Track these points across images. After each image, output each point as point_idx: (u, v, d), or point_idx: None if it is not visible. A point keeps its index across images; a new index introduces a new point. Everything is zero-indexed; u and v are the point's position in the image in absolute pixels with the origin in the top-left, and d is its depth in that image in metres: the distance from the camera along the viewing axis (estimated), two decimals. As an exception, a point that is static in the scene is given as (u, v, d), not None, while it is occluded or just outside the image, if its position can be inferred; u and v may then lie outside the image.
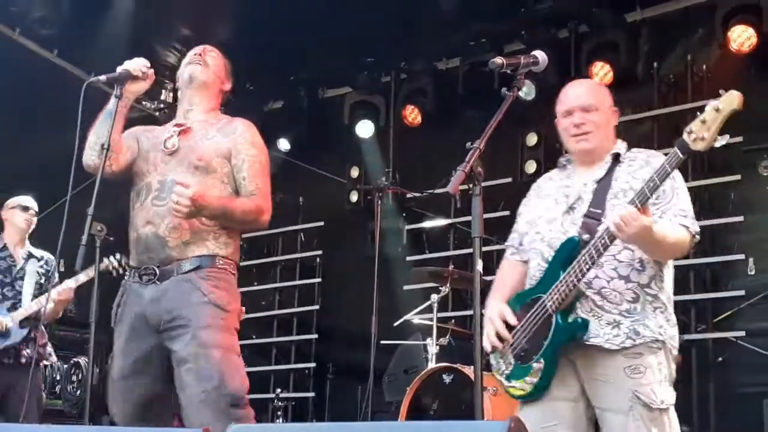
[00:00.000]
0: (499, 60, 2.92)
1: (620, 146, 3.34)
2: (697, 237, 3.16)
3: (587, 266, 3.06)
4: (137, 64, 3.47)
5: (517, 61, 2.97)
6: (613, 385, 3.08)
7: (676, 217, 3.12)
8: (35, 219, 5.69)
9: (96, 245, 3.43)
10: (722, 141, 2.89)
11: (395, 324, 6.49)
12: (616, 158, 3.29)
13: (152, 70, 3.54)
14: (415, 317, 6.35)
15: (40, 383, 5.82)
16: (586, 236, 3.14)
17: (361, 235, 8.09)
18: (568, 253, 3.16)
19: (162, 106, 8.96)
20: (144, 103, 8.60)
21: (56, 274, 5.45)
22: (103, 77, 3.40)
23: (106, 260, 4.69)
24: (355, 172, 8.46)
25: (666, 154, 3.01)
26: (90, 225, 3.15)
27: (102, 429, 4.88)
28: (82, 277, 5.11)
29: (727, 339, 6.44)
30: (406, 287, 7.59)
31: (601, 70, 7.00)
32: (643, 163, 3.23)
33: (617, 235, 2.97)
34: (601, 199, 3.20)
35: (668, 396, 3.10)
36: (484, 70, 3.01)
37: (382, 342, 6.31)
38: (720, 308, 6.59)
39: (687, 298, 6.47)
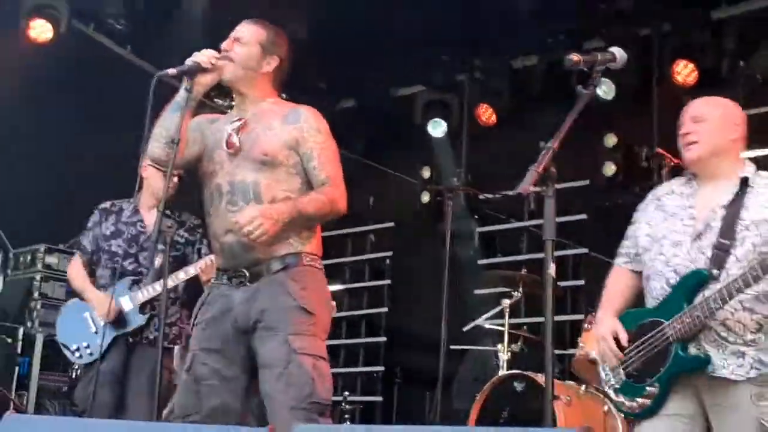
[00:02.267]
0: (574, 57, 2.89)
1: (748, 169, 3.34)
2: None
3: (717, 306, 3.12)
4: (206, 56, 3.45)
5: (593, 58, 2.92)
6: (738, 413, 3.13)
7: None
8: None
9: (165, 242, 3.46)
10: None
11: (465, 329, 6.46)
12: (745, 182, 3.29)
13: (222, 62, 3.49)
14: (485, 322, 6.30)
15: (170, 365, 5.11)
16: (715, 271, 3.19)
17: (431, 237, 8.05)
18: (694, 284, 3.22)
19: (234, 102, 9.06)
20: (216, 100, 8.72)
21: (201, 245, 5.09)
22: (172, 70, 3.41)
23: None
24: (426, 173, 8.42)
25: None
26: (160, 222, 3.19)
27: (154, 426, 4.91)
28: (192, 270, 4.91)
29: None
30: (477, 291, 7.53)
31: (684, 69, 6.85)
32: None
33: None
34: (731, 228, 3.22)
35: None
36: (562, 68, 2.94)
37: (452, 347, 6.28)
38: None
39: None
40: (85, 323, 5.12)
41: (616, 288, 3.57)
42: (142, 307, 4.97)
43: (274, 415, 3.33)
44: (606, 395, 3.47)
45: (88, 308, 5.12)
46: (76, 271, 5.26)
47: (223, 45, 3.58)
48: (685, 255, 3.29)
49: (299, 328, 3.35)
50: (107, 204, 5.31)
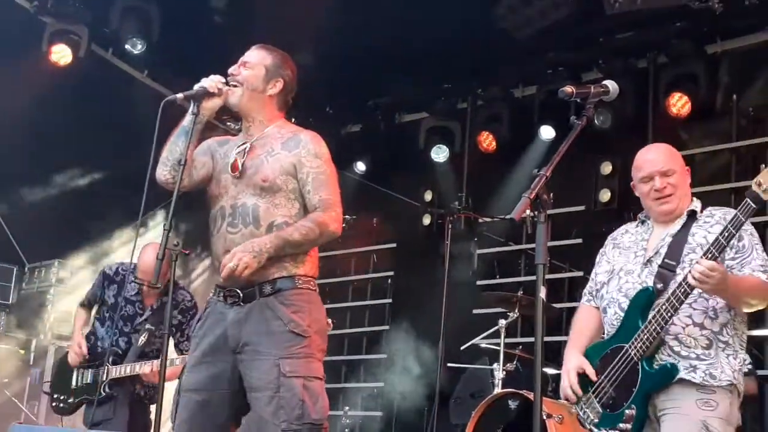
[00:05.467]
0: (568, 89, 2.89)
1: (696, 204, 3.47)
2: None
3: (669, 314, 3.20)
4: (213, 81, 3.45)
5: (587, 91, 2.92)
6: (685, 417, 3.18)
7: (755, 272, 3.24)
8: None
9: (173, 260, 3.45)
10: None
11: (463, 347, 6.42)
12: (692, 215, 3.42)
13: (228, 87, 3.48)
14: (482, 341, 6.28)
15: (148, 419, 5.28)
16: (660, 285, 3.29)
17: (432, 258, 8.04)
18: (644, 301, 3.31)
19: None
20: (228, 123, 8.74)
21: (184, 340, 5.11)
22: (180, 95, 3.40)
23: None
24: (428, 196, 8.43)
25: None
26: (166, 240, 3.17)
27: None
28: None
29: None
30: (475, 311, 7.51)
31: (679, 101, 6.85)
32: (720, 220, 3.35)
33: (699, 287, 3.12)
34: (677, 252, 3.34)
35: None
36: (560, 97, 2.94)
37: (450, 365, 6.25)
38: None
39: (761, 333, 6.25)
40: (69, 379, 5.32)
41: (581, 325, 3.63)
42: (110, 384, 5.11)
43: None
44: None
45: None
46: (77, 318, 5.43)
47: (231, 69, 3.57)
48: (635, 280, 3.39)
49: (289, 351, 3.31)
50: (111, 270, 5.33)
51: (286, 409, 3.25)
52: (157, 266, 3.20)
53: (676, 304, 3.17)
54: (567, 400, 3.45)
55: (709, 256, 3.10)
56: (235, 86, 3.51)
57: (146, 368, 4.98)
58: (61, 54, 7.21)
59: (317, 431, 3.31)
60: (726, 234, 3.10)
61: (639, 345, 3.24)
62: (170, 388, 3.58)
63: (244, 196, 3.45)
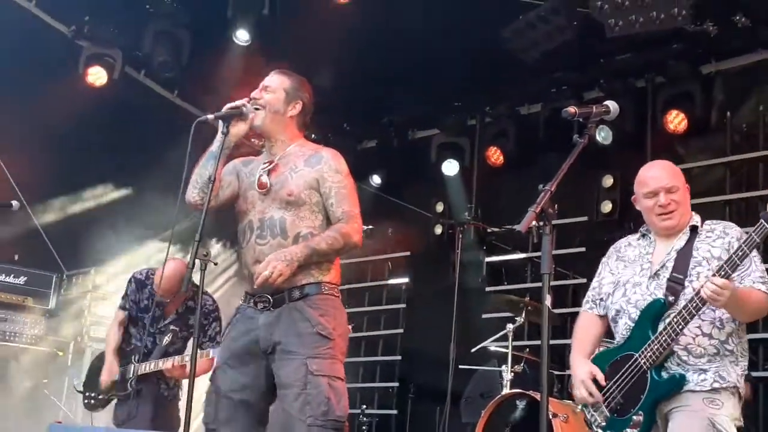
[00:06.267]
0: (571, 109, 2.90)
1: (696, 219, 3.46)
2: None
3: (680, 327, 3.19)
4: (240, 103, 3.50)
5: (589, 110, 2.93)
6: (692, 414, 3.17)
7: (755, 283, 3.23)
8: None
9: (202, 268, 3.47)
10: None
11: (473, 350, 6.41)
12: (694, 230, 3.41)
13: (252, 108, 3.53)
14: (491, 344, 6.26)
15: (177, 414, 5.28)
16: (671, 298, 3.27)
17: (444, 266, 8.03)
18: (654, 313, 3.30)
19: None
20: (253, 140, 8.79)
21: (205, 340, 5.08)
22: (211, 116, 3.45)
23: None
24: (440, 207, 8.43)
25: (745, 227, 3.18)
26: (196, 251, 3.19)
27: None
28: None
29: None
30: (484, 316, 7.49)
31: (676, 118, 6.83)
32: (721, 234, 3.35)
33: (712, 304, 3.11)
34: (684, 266, 3.32)
35: None
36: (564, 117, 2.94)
37: (461, 366, 6.24)
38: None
39: (755, 336, 6.20)
40: (99, 379, 5.31)
41: (584, 333, 3.60)
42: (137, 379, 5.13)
43: (293, 431, 3.31)
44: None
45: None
46: (112, 329, 5.39)
47: (253, 93, 3.62)
48: (644, 292, 3.37)
49: (316, 351, 3.35)
50: (141, 275, 5.36)
51: (312, 405, 3.27)
52: (187, 274, 3.24)
53: (688, 317, 3.16)
54: (585, 405, 3.42)
55: (722, 273, 3.06)
56: (257, 109, 3.55)
57: (168, 364, 5.01)
58: (97, 75, 7.27)
59: (340, 428, 3.33)
60: (740, 253, 3.07)
61: (649, 354, 3.23)
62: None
63: (270, 210, 3.49)
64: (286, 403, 3.33)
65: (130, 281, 5.38)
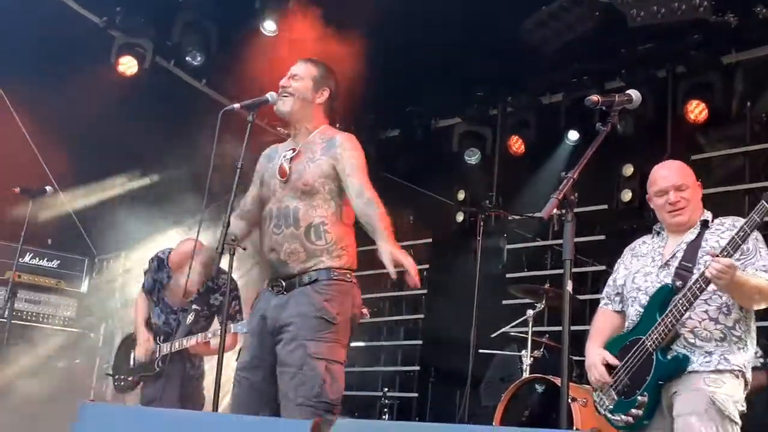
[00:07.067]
0: (594, 98, 2.91)
1: (708, 214, 3.52)
2: None
3: (684, 308, 3.22)
4: (269, 94, 3.58)
5: (611, 99, 2.93)
6: (694, 392, 3.21)
7: (758, 271, 3.26)
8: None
9: (231, 253, 3.52)
10: None
11: (493, 335, 6.42)
12: (705, 224, 3.47)
13: (282, 97, 3.62)
14: (511, 330, 6.26)
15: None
16: (679, 283, 3.31)
17: (465, 252, 8.03)
18: (663, 298, 3.34)
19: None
20: (279, 128, 8.82)
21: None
22: (237, 105, 3.50)
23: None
24: (461, 195, 8.42)
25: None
26: (225, 235, 3.24)
27: (211, 415, 4.96)
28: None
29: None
30: (504, 302, 7.49)
31: (697, 108, 6.77)
32: (730, 227, 3.38)
33: (715, 282, 3.13)
34: (693, 255, 3.37)
35: (737, 415, 3.21)
36: (585, 105, 2.94)
37: (481, 351, 6.25)
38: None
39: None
40: (129, 359, 5.36)
41: (600, 324, 3.67)
42: (163, 359, 5.18)
43: (285, 409, 3.39)
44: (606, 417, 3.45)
45: (134, 347, 5.32)
46: (138, 306, 5.42)
47: (282, 82, 3.67)
48: (654, 279, 3.42)
49: (318, 335, 3.41)
50: (164, 255, 5.36)
51: (306, 387, 3.34)
52: (217, 259, 3.28)
53: (692, 298, 3.19)
54: (599, 389, 3.47)
55: (725, 254, 3.10)
56: (286, 96, 3.58)
57: (192, 341, 5.08)
58: (128, 65, 7.31)
59: (330, 410, 3.37)
60: (741, 234, 3.12)
61: (655, 336, 3.26)
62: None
63: (287, 200, 3.55)
64: (282, 382, 3.41)
65: (152, 260, 5.41)
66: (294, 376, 3.36)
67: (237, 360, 3.64)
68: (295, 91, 3.63)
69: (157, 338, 5.26)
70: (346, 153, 3.57)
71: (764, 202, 3.09)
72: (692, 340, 3.26)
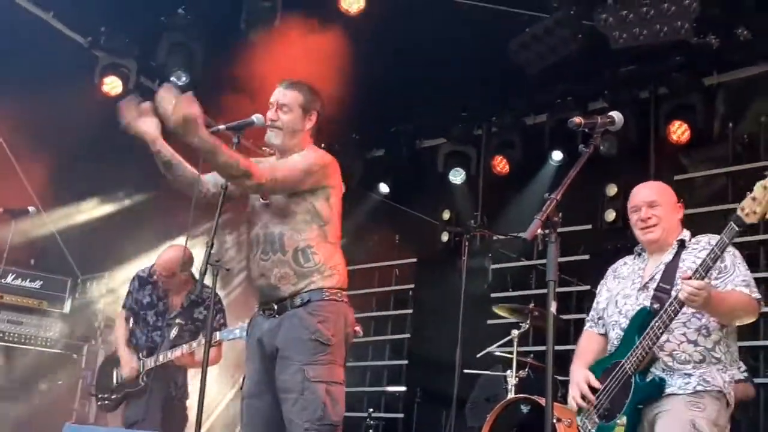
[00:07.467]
0: (577, 120, 2.92)
1: (685, 234, 3.51)
2: (761, 302, 3.30)
3: (661, 331, 3.21)
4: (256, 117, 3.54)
5: (594, 121, 2.94)
6: (674, 415, 3.18)
7: (737, 287, 3.25)
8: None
9: (215, 274, 3.50)
10: None
11: (478, 355, 6.40)
12: (682, 244, 3.46)
13: (270, 130, 3.58)
14: (496, 350, 6.25)
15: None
16: (656, 306, 3.30)
17: (450, 272, 8.02)
18: (641, 320, 3.32)
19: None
20: (264, 149, 8.80)
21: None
22: (222, 126, 3.47)
23: None
24: (446, 215, 8.43)
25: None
26: (208, 256, 3.21)
27: None
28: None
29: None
30: (489, 322, 7.47)
31: (679, 129, 6.82)
32: (705, 245, 3.38)
33: (689, 304, 3.12)
34: (671, 276, 3.36)
35: None
36: (570, 127, 2.95)
37: (466, 371, 6.22)
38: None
39: (757, 343, 6.18)
40: (112, 377, 5.36)
41: (584, 346, 3.67)
42: (147, 373, 5.17)
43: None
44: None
45: (117, 365, 5.33)
46: (119, 327, 5.43)
47: (269, 115, 3.58)
48: (633, 302, 3.42)
49: (314, 358, 3.38)
50: (144, 273, 5.38)
51: (308, 411, 3.32)
52: (200, 279, 3.25)
53: (668, 321, 3.18)
54: (579, 408, 3.46)
55: (697, 276, 3.10)
56: (277, 130, 3.56)
57: (177, 353, 5.06)
58: (112, 85, 7.29)
59: (334, 431, 3.37)
60: (712, 255, 3.11)
61: (633, 360, 3.26)
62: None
63: (272, 225, 3.51)
64: (285, 408, 3.38)
65: (133, 279, 5.40)
66: (296, 401, 3.34)
67: (241, 389, 3.61)
68: (284, 125, 3.56)
69: (140, 354, 5.22)
70: (296, 155, 3.53)
71: (733, 224, 3.10)
72: (670, 363, 3.25)
